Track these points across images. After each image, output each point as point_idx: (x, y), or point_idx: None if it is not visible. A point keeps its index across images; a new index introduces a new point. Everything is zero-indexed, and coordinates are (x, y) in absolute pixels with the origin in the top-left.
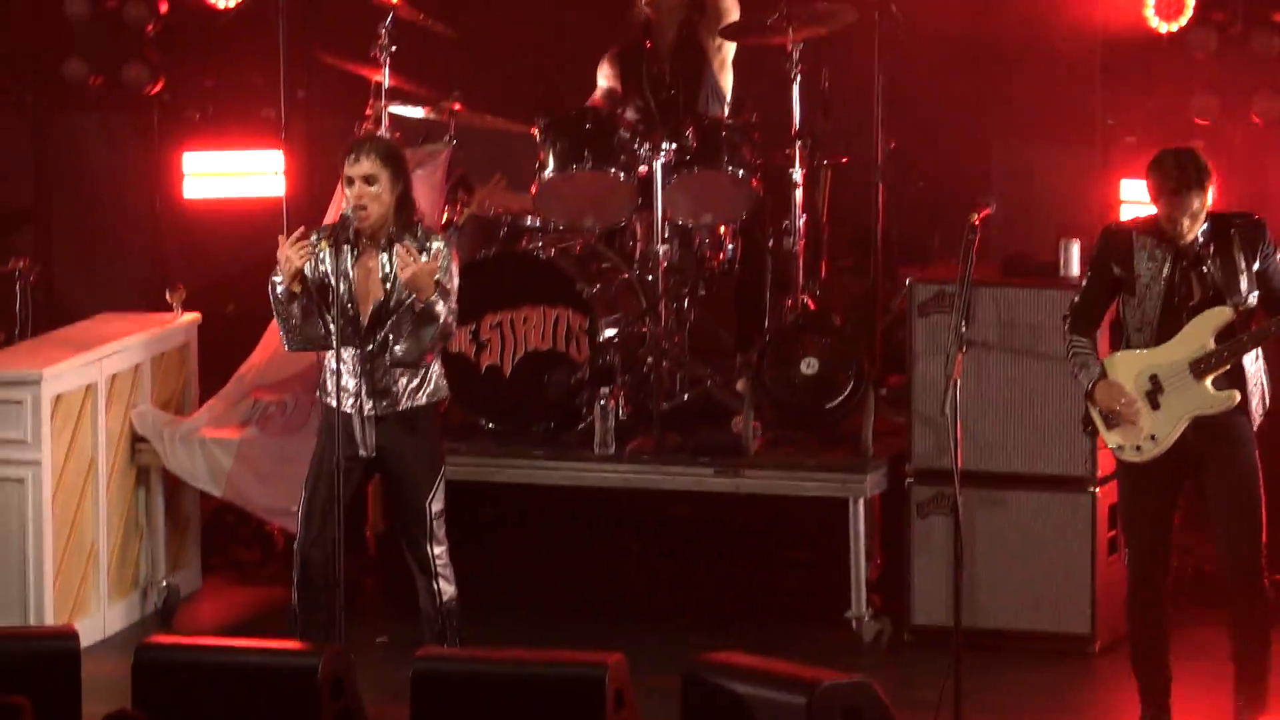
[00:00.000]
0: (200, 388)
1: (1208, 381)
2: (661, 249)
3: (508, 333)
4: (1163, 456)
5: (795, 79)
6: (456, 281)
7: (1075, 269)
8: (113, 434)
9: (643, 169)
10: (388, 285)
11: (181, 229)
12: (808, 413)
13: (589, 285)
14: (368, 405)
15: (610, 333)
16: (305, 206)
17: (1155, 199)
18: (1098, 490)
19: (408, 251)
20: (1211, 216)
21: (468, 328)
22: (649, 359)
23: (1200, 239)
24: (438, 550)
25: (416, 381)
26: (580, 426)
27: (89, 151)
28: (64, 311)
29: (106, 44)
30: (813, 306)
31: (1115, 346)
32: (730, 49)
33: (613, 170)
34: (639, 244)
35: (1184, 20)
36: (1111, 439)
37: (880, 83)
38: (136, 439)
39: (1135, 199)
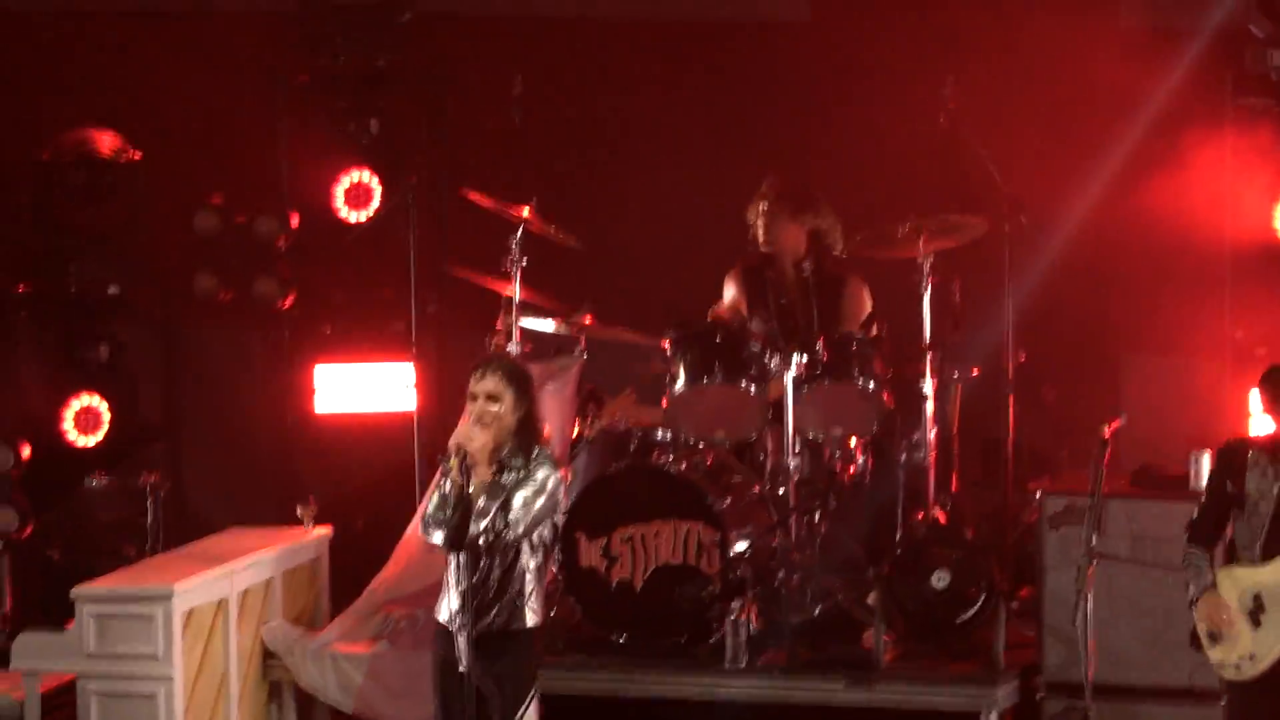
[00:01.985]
0: (331, 602)
1: None
2: (792, 462)
3: (639, 547)
4: (1267, 675)
5: (925, 291)
6: (558, 513)
7: (1206, 481)
8: (244, 649)
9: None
10: (492, 512)
11: (312, 443)
12: (939, 626)
13: (720, 499)
14: (467, 623)
15: (741, 546)
16: (436, 420)
17: (1268, 412)
18: None
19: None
20: None
21: (599, 542)
22: (780, 572)
23: None
24: None
25: (516, 605)
26: (711, 640)
27: (219, 365)
28: (195, 526)
29: (237, 258)
30: (944, 519)
31: (1226, 563)
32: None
33: (743, 384)
34: (770, 457)
35: None
36: (1213, 655)
37: (1010, 294)
38: (268, 654)
39: None
